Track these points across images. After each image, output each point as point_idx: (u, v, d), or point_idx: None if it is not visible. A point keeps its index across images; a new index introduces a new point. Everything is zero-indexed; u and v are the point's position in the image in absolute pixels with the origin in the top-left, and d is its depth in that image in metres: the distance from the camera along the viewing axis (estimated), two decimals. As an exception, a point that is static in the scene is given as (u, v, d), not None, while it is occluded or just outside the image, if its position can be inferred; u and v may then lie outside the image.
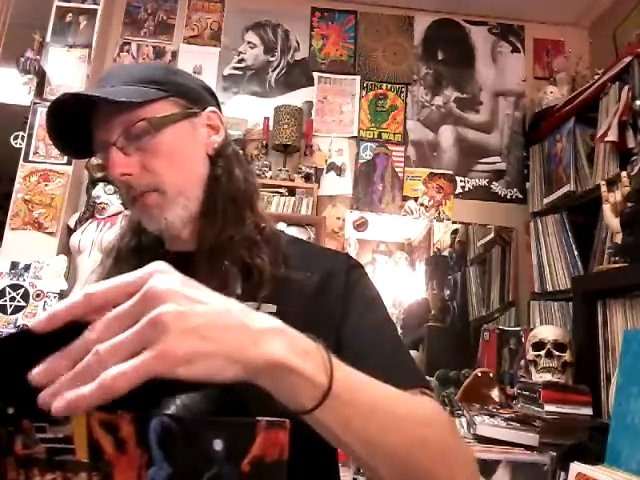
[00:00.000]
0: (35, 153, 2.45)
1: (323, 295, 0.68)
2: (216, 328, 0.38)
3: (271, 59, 2.85)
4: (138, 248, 0.75)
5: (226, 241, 0.69)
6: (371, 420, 0.47)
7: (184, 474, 0.36)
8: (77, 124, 0.69)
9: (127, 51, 2.80)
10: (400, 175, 2.75)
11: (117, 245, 0.77)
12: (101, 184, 2.38)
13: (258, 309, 0.66)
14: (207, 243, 0.69)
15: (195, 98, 0.73)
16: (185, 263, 0.70)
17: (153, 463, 0.36)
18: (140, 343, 0.35)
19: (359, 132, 2.78)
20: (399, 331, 0.74)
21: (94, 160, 0.69)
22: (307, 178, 2.61)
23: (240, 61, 2.83)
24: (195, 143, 0.73)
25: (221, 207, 0.71)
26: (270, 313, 0.65)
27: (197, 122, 0.73)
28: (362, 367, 0.63)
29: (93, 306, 0.37)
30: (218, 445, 0.36)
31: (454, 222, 2.72)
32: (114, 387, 0.34)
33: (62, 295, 2.26)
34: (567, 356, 1.61)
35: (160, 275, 0.38)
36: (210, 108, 0.75)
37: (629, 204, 1.57)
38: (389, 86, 2.84)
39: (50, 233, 2.39)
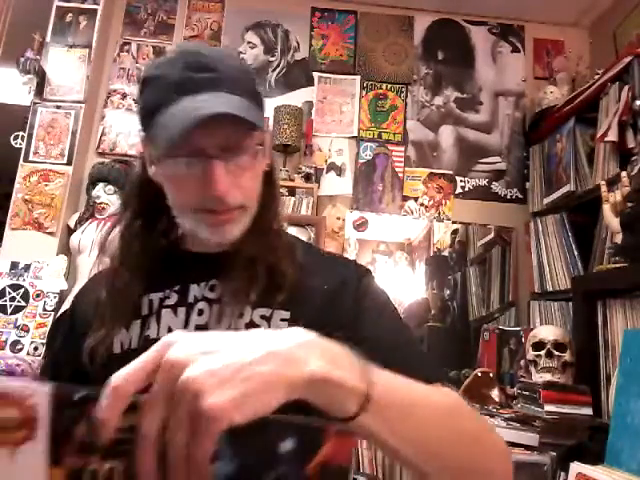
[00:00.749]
0: (35, 153, 2.46)
1: (335, 303, 0.69)
2: (248, 366, 0.37)
3: (271, 59, 2.85)
4: (152, 249, 0.74)
5: (258, 250, 0.70)
6: (411, 418, 0.47)
7: (250, 471, 0.36)
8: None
9: (127, 51, 2.79)
10: (400, 175, 2.74)
11: (131, 246, 0.74)
12: (101, 184, 2.37)
13: (272, 315, 0.68)
14: (243, 252, 0.70)
15: (265, 114, 0.75)
16: (207, 263, 0.71)
17: (219, 457, 0.35)
18: (187, 417, 0.35)
19: (359, 132, 2.78)
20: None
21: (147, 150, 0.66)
22: (307, 178, 2.61)
23: (240, 61, 2.83)
24: (263, 162, 0.74)
25: (267, 223, 0.73)
26: (283, 319, 0.67)
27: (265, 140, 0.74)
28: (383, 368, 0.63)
29: (124, 395, 0.36)
30: (287, 445, 0.36)
31: (454, 222, 2.71)
32: (204, 465, 0.35)
33: (62, 295, 2.26)
34: (567, 356, 1.61)
35: (174, 346, 0.38)
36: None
37: (629, 204, 1.57)
38: (389, 86, 2.84)
39: (50, 233, 2.39)
